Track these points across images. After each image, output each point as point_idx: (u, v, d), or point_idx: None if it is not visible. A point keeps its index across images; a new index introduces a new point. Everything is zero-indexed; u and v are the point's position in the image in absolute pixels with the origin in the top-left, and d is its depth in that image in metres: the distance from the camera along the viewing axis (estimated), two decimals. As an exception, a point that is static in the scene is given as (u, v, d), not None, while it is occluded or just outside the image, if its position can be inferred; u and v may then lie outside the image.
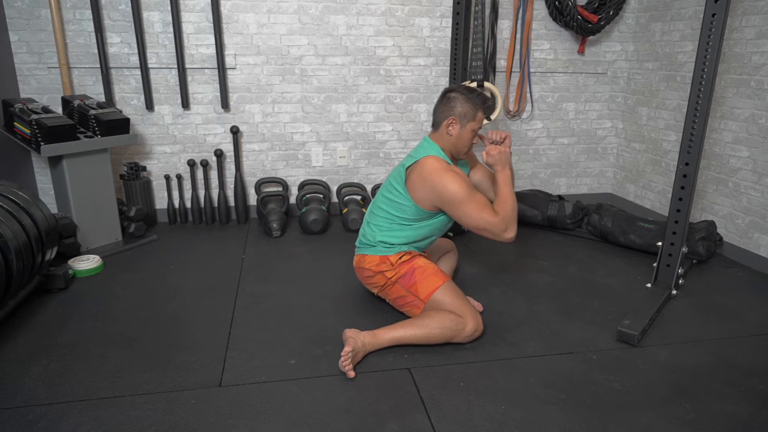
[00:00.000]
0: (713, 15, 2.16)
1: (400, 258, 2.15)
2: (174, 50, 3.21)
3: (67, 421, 1.61)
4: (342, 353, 1.84)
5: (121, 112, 3.03)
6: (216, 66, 3.27)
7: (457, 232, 3.29)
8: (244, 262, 2.86)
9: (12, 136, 2.79)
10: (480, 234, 2.08)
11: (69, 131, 2.73)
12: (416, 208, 2.12)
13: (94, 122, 2.87)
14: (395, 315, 2.26)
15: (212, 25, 3.21)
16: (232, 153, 3.45)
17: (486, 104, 2.15)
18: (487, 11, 3.43)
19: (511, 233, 2.06)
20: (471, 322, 2.01)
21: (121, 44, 3.16)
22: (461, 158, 2.25)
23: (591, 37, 3.64)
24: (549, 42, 3.63)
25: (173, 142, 3.39)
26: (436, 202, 2.08)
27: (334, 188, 3.64)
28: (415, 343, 1.99)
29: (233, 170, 3.48)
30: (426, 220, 2.17)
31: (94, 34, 3.09)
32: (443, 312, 2.02)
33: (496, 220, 2.02)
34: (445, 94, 2.15)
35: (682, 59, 3.28)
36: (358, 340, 1.91)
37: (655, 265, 2.53)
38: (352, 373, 1.83)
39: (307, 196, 3.43)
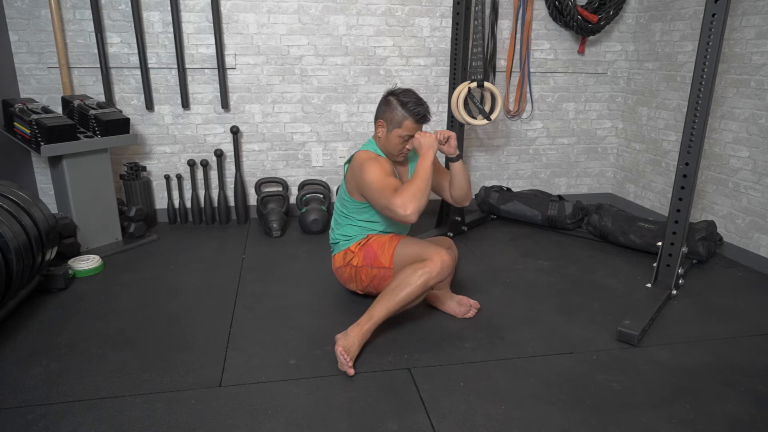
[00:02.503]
0: (713, 15, 2.16)
1: (358, 244, 2.24)
2: (174, 50, 3.21)
3: (67, 421, 1.61)
4: (337, 354, 1.86)
5: (121, 112, 3.03)
6: (216, 66, 3.27)
7: (457, 232, 3.29)
8: (244, 262, 2.86)
9: (12, 136, 2.79)
10: (384, 214, 2.07)
11: (69, 131, 2.73)
12: (352, 200, 2.22)
13: (94, 122, 2.87)
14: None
15: (212, 25, 3.21)
16: (232, 153, 3.45)
17: (417, 114, 2.09)
18: (487, 11, 3.43)
19: (406, 211, 1.95)
20: (435, 258, 2.01)
21: (121, 44, 3.16)
22: (398, 159, 2.24)
23: (591, 37, 3.64)
24: (549, 42, 3.63)
25: (173, 142, 3.39)
26: (359, 190, 2.15)
27: (334, 188, 3.64)
28: (399, 309, 1.99)
29: (233, 170, 3.48)
30: (364, 212, 2.25)
31: (94, 34, 3.09)
32: (406, 267, 2.04)
33: (395, 198, 1.98)
34: (386, 95, 2.17)
35: (682, 59, 3.28)
36: (347, 336, 1.92)
37: (655, 265, 2.53)
38: (351, 371, 1.84)
39: (307, 196, 3.43)
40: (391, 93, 2.15)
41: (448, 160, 2.25)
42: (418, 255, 2.06)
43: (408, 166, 2.33)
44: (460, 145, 3.18)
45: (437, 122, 3.64)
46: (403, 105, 2.10)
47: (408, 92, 2.14)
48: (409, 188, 1.99)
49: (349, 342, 1.90)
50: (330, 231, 2.38)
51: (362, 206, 2.23)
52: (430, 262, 2.00)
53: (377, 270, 2.19)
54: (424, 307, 2.34)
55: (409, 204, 1.96)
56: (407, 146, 2.17)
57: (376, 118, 2.19)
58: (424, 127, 2.22)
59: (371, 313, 1.99)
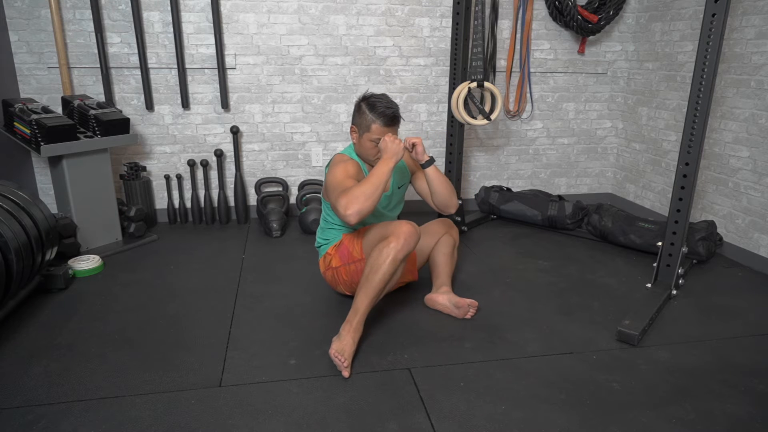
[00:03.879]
0: (713, 15, 2.16)
1: (334, 246, 2.29)
2: (174, 50, 3.21)
3: (67, 421, 1.61)
4: (331, 357, 1.86)
5: (121, 112, 3.03)
6: (216, 66, 3.27)
7: (457, 232, 3.29)
8: (244, 262, 2.86)
9: (12, 136, 2.79)
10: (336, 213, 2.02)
11: (69, 131, 2.73)
12: (325, 202, 2.24)
13: (94, 122, 2.87)
14: (394, 309, 2.26)
15: (212, 25, 3.21)
16: (232, 153, 3.45)
17: (384, 116, 2.07)
18: (487, 11, 3.43)
19: (347, 210, 1.89)
20: (396, 233, 1.98)
21: (121, 44, 3.16)
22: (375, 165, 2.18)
23: (591, 37, 3.64)
24: (549, 42, 3.63)
25: (173, 142, 3.39)
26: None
27: (334, 188, 3.63)
28: (379, 292, 1.97)
29: (233, 170, 3.48)
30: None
31: (94, 34, 3.09)
32: (373, 250, 2.02)
33: (341, 197, 1.94)
34: (358, 101, 2.15)
35: (682, 59, 3.28)
36: (339, 337, 1.93)
37: (655, 265, 2.53)
38: (346, 373, 1.83)
39: (307, 196, 3.43)
40: (363, 98, 2.14)
41: (421, 166, 2.19)
42: (381, 236, 2.04)
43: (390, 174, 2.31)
44: (460, 145, 3.18)
45: (437, 122, 3.64)
46: (371, 109, 2.08)
47: (378, 96, 2.12)
48: (356, 189, 1.93)
49: (342, 343, 1.90)
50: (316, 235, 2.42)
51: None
52: (393, 237, 1.98)
53: (353, 265, 2.22)
54: (424, 307, 2.35)
55: (351, 204, 1.89)
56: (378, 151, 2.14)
57: (351, 123, 2.19)
58: (420, 132, 2.21)
59: (355, 306, 1.98)
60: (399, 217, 2.38)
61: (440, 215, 3.01)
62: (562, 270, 2.79)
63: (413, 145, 2.12)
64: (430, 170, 2.18)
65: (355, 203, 1.89)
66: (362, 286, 1.99)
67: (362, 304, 1.97)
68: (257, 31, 3.28)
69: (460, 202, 3.26)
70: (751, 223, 2.85)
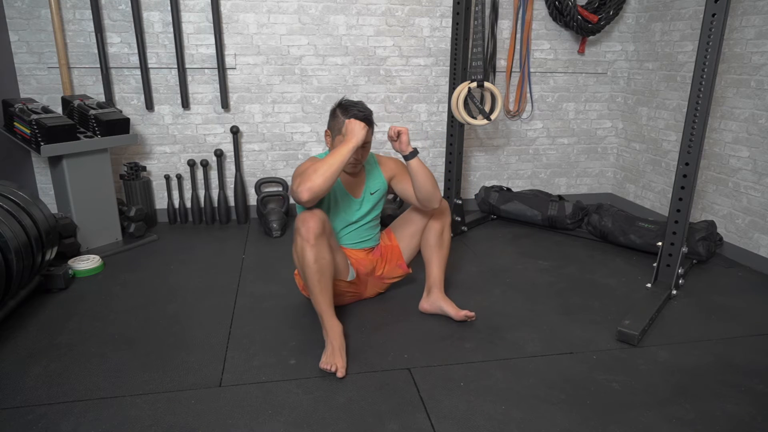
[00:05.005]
0: (713, 15, 2.16)
1: None
2: (174, 50, 3.21)
3: (67, 421, 1.61)
4: (325, 370, 1.85)
5: (121, 112, 3.03)
6: (216, 66, 3.27)
7: (456, 232, 3.29)
8: (244, 262, 2.86)
9: (12, 136, 2.79)
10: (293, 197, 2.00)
11: (69, 131, 2.73)
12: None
13: (94, 122, 2.87)
14: (394, 309, 2.26)
15: (212, 25, 3.21)
16: (232, 153, 3.45)
17: (355, 117, 2.04)
18: (487, 11, 3.43)
19: (299, 187, 1.90)
20: (297, 227, 1.96)
21: (121, 44, 3.16)
22: (349, 170, 2.19)
23: (591, 37, 3.64)
24: (549, 42, 3.63)
25: (173, 142, 3.39)
26: None
27: (334, 188, 3.63)
28: (318, 288, 1.95)
29: (233, 170, 3.48)
30: None
31: (94, 34, 3.09)
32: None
33: (295, 180, 1.97)
34: (333, 107, 2.14)
35: (682, 59, 3.28)
36: (325, 350, 1.91)
37: (655, 265, 2.53)
38: (341, 373, 1.83)
39: (307, 196, 3.42)
40: (338, 103, 2.13)
41: (404, 158, 2.10)
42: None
43: (363, 178, 2.27)
44: (460, 145, 3.18)
45: (437, 122, 3.64)
46: (344, 112, 2.08)
47: (353, 102, 2.12)
48: (309, 171, 1.93)
49: (327, 353, 1.89)
50: None
51: None
52: (295, 233, 1.97)
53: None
54: (424, 307, 2.35)
55: (304, 182, 1.90)
56: (356, 155, 2.10)
57: (326, 129, 2.19)
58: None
59: (316, 309, 2.00)
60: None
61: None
62: (562, 270, 2.79)
63: (398, 134, 2.05)
64: (413, 162, 2.08)
65: (307, 181, 1.90)
66: (308, 290, 2.01)
67: (316, 305, 1.98)
68: (257, 31, 3.28)
69: (460, 201, 3.26)
70: (751, 223, 2.85)
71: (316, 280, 1.95)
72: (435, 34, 3.46)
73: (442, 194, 3.39)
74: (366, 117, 2.06)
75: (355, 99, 3.43)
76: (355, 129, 2.01)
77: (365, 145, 2.12)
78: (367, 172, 2.29)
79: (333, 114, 2.13)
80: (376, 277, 2.38)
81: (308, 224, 1.94)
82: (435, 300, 2.27)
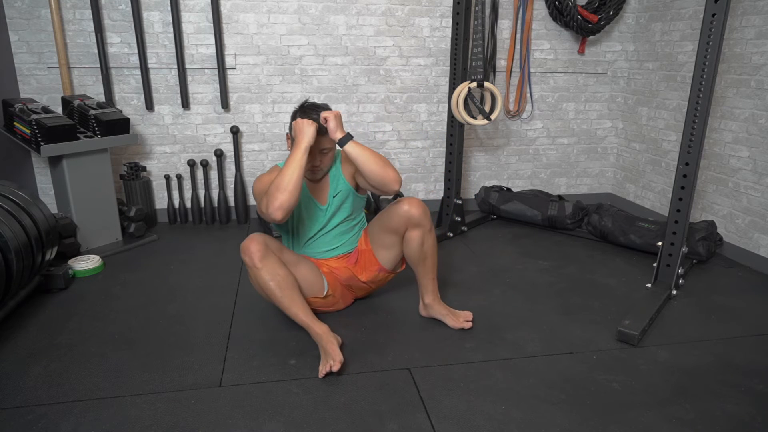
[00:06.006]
0: (713, 15, 2.16)
1: None
2: (174, 50, 3.21)
3: (67, 421, 1.61)
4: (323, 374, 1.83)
5: (121, 112, 3.03)
6: (216, 66, 3.27)
7: (456, 232, 3.29)
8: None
9: (12, 136, 2.79)
10: (264, 217, 1.97)
11: (69, 131, 2.73)
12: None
13: (94, 122, 2.87)
14: (394, 309, 2.26)
15: (212, 25, 3.21)
16: (232, 153, 3.45)
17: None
18: (487, 11, 3.43)
19: (269, 209, 1.86)
20: (241, 249, 1.96)
21: (121, 44, 3.16)
22: (310, 177, 2.12)
23: (591, 37, 3.64)
24: (549, 42, 3.63)
25: (173, 142, 3.39)
26: None
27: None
28: (285, 302, 1.95)
29: (233, 170, 3.48)
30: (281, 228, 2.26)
31: (94, 34, 3.09)
32: None
33: (261, 200, 1.93)
34: (295, 109, 2.07)
35: (682, 59, 3.28)
36: (324, 352, 1.88)
37: (655, 265, 2.53)
38: (337, 365, 1.80)
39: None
40: (299, 106, 2.05)
41: (338, 144, 1.95)
42: None
43: (328, 182, 2.16)
44: (460, 145, 3.18)
45: (437, 122, 3.64)
46: (302, 115, 2.00)
47: (315, 105, 2.03)
48: (272, 186, 1.88)
49: (322, 361, 1.86)
50: None
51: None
52: (242, 253, 1.96)
53: None
54: (424, 307, 2.35)
55: (271, 203, 1.86)
56: (313, 161, 2.03)
57: (287, 132, 2.14)
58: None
59: (298, 323, 1.99)
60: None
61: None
62: (562, 270, 2.79)
63: (326, 120, 1.93)
64: (348, 148, 1.92)
65: (273, 200, 1.85)
66: (280, 308, 2.00)
67: (294, 318, 1.97)
68: (257, 31, 3.28)
69: (460, 201, 3.26)
70: (751, 223, 2.85)
71: (280, 296, 1.94)
72: (435, 34, 3.46)
73: (443, 194, 3.39)
74: (320, 127, 1.95)
75: (355, 98, 3.48)
76: (303, 128, 1.92)
77: (324, 151, 2.03)
78: (331, 175, 2.17)
79: (293, 117, 2.03)
80: (362, 282, 2.25)
81: (250, 251, 1.92)
82: (430, 309, 2.21)
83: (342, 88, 3.47)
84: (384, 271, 2.24)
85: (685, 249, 2.45)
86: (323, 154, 2.05)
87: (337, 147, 1.99)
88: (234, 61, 3.31)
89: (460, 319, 2.16)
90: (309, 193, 2.16)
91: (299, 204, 2.13)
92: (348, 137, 1.94)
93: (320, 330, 1.93)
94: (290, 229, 2.24)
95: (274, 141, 3.50)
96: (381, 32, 3.41)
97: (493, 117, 2.98)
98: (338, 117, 1.94)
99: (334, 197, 2.16)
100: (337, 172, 2.17)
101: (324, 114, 1.94)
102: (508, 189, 3.60)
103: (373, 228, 2.22)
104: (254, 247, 1.92)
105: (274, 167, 2.14)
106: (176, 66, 3.23)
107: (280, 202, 1.85)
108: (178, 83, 3.27)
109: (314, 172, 2.09)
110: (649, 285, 2.54)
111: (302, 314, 1.96)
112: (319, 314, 2.15)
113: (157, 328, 2.16)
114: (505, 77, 3.62)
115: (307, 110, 2.01)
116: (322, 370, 1.82)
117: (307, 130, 1.92)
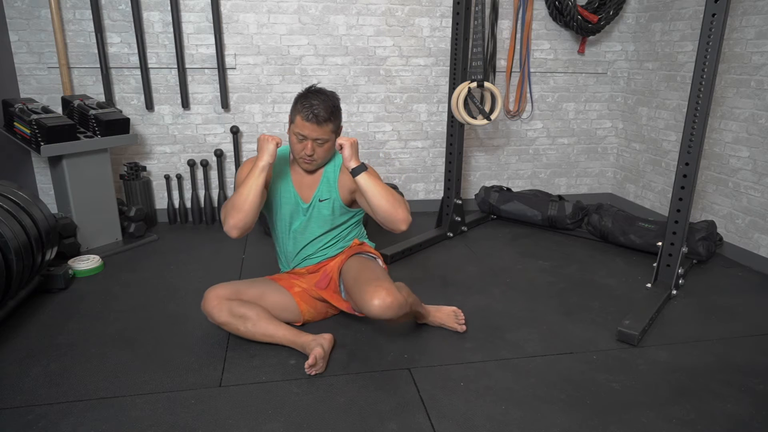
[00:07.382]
0: (713, 15, 2.16)
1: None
2: (174, 50, 3.21)
3: (67, 421, 1.61)
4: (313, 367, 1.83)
5: (121, 112, 3.03)
6: (216, 66, 3.27)
7: (456, 232, 3.29)
8: (244, 262, 2.86)
9: (12, 136, 2.79)
10: None
11: (69, 131, 2.73)
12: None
13: (94, 122, 2.87)
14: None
15: (212, 25, 3.21)
16: (232, 153, 3.45)
17: (304, 109, 1.86)
18: (487, 11, 3.43)
19: (225, 226, 1.85)
20: (209, 316, 1.98)
21: (121, 44, 3.16)
22: (302, 166, 2.01)
23: (591, 37, 3.64)
24: (549, 42, 3.63)
25: (173, 142, 3.39)
26: None
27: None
28: (256, 336, 1.97)
29: (233, 170, 3.48)
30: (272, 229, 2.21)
31: (94, 34, 3.09)
32: None
33: (222, 211, 1.89)
34: (298, 94, 1.97)
35: (682, 59, 3.28)
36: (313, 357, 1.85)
37: (655, 265, 2.53)
38: (313, 371, 1.82)
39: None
40: (302, 91, 1.94)
41: (351, 173, 1.87)
42: None
43: (318, 180, 2.05)
44: (460, 145, 3.18)
45: (437, 122, 3.64)
46: (301, 100, 1.89)
47: (318, 92, 1.90)
48: (230, 200, 1.85)
49: (319, 352, 1.85)
50: None
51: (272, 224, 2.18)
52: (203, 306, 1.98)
53: None
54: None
55: (226, 221, 1.85)
56: (306, 150, 1.91)
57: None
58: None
59: (283, 344, 1.98)
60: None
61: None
62: (562, 270, 2.79)
63: (341, 147, 1.86)
64: (360, 179, 1.84)
65: (229, 218, 1.85)
66: (256, 338, 1.98)
67: (276, 341, 1.96)
68: (257, 31, 3.28)
69: (460, 201, 3.26)
70: (751, 223, 2.85)
71: (254, 332, 1.93)
72: (435, 34, 3.46)
73: (443, 194, 3.39)
74: (316, 115, 1.84)
75: (355, 98, 3.47)
76: (263, 145, 1.85)
77: (319, 141, 1.91)
78: (325, 174, 2.05)
79: (295, 102, 1.92)
80: (333, 307, 2.14)
81: (207, 310, 1.95)
82: (429, 320, 2.15)
83: (342, 88, 3.46)
84: (342, 305, 2.09)
85: (685, 249, 2.45)
86: (318, 144, 1.93)
87: (341, 152, 1.92)
88: (234, 61, 3.31)
89: (461, 326, 2.13)
90: (293, 186, 2.07)
91: (280, 197, 2.06)
92: (362, 168, 1.85)
93: (304, 340, 1.92)
94: (272, 218, 2.17)
95: (274, 141, 3.49)
96: (381, 32, 3.41)
97: (493, 117, 2.98)
98: (354, 145, 1.86)
99: (320, 201, 2.05)
100: (334, 177, 2.06)
101: (339, 141, 1.87)
102: (508, 189, 3.60)
103: (347, 279, 2.02)
104: (208, 306, 1.95)
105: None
106: (176, 66, 3.23)
107: (234, 222, 1.84)
108: (178, 83, 3.27)
109: (309, 163, 1.97)
110: (649, 285, 2.54)
111: (283, 332, 1.95)
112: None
113: (157, 328, 2.16)
114: (505, 77, 3.62)
115: (310, 95, 1.89)
116: (308, 367, 1.82)
117: (267, 147, 1.86)
